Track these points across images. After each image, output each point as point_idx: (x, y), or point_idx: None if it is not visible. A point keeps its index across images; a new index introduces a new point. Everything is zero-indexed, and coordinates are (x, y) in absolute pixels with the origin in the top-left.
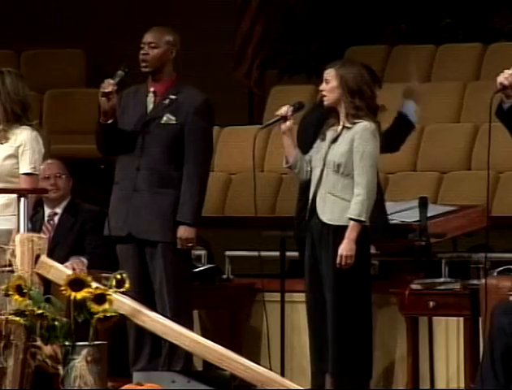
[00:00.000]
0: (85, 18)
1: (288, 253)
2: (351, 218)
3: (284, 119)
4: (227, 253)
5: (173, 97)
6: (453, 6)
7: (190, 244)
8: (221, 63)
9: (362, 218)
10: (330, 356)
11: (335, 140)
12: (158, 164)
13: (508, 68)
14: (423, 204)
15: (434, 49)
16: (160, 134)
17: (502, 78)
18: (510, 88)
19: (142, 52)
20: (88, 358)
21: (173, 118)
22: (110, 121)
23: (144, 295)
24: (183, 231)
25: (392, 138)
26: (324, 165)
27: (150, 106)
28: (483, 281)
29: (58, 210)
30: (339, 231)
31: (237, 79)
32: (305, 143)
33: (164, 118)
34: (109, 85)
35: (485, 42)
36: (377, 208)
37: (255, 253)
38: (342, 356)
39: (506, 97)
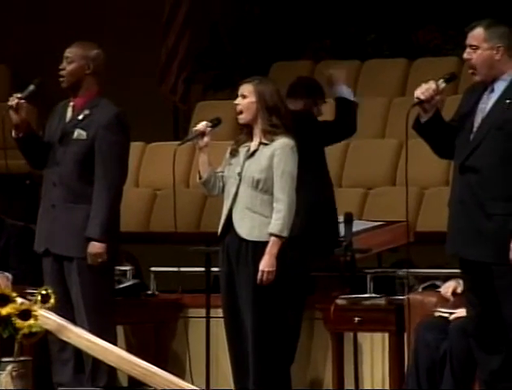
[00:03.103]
0: (9, 32)
1: (213, 269)
2: (273, 234)
3: (202, 134)
4: (153, 268)
5: (87, 112)
6: (377, 21)
7: (100, 260)
8: (146, 79)
9: (284, 234)
10: (251, 373)
11: (251, 156)
12: (71, 179)
13: None
14: (348, 219)
15: (359, 64)
16: (72, 149)
17: (419, 92)
18: (427, 102)
19: (60, 67)
20: (13, 374)
21: (84, 133)
22: (21, 135)
23: (65, 310)
24: (92, 247)
25: (344, 122)
26: (240, 181)
27: (67, 121)
28: (408, 296)
29: None
30: (258, 247)
31: (163, 94)
32: None
33: (75, 133)
34: (14, 99)
35: (410, 58)
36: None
37: (180, 269)
38: (262, 373)
39: (423, 111)
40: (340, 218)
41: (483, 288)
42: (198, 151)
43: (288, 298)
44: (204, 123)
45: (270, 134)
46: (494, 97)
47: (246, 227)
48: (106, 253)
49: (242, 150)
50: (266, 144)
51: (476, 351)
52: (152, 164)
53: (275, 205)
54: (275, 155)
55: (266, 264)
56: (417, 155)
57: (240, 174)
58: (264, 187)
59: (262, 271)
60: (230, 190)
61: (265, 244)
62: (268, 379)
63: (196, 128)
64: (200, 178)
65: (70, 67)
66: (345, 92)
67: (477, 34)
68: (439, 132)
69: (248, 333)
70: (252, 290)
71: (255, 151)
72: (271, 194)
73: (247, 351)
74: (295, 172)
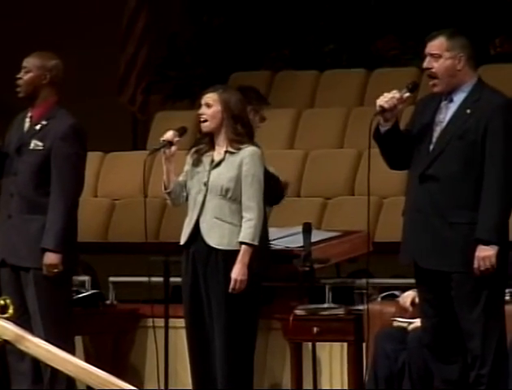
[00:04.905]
0: None
1: (172, 279)
2: (244, 243)
3: (170, 144)
4: (111, 278)
5: (44, 122)
6: (336, 31)
7: (56, 270)
8: (105, 89)
9: (255, 243)
10: (219, 378)
11: (217, 165)
12: (28, 190)
13: None
14: (307, 229)
15: (318, 74)
16: (28, 160)
17: (382, 101)
18: (389, 112)
19: (17, 76)
20: None
21: (40, 144)
22: None
23: (23, 320)
24: (47, 258)
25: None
26: (207, 190)
27: (25, 131)
28: (367, 306)
29: None
30: (229, 256)
31: (121, 104)
32: None
33: (32, 144)
34: None
35: (369, 68)
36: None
37: (139, 279)
38: (231, 378)
39: (384, 120)
40: (299, 228)
41: (439, 297)
42: (164, 160)
43: (256, 306)
44: (171, 132)
45: (236, 143)
46: (453, 107)
47: (215, 236)
48: (61, 263)
49: (206, 160)
50: (232, 152)
51: (432, 362)
52: (110, 174)
53: (244, 213)
54: (244, 163)
55: (238, 273)
56: (376, 165)
57: (206, 183)
58: (233, 196)
59: (235, 280)
60: (196, 200)
61: (235, 252)
62: (236, 383)
63: (164, 138)
64: (165, 188)
65: (26, 77)
66: None
67: (439, 43)
68: (396, 142)
69: (212, 343)
70: (223, 298)
71: (221, 160)
72: (240, 203)
73: (210, 361)
74: (263, 180)
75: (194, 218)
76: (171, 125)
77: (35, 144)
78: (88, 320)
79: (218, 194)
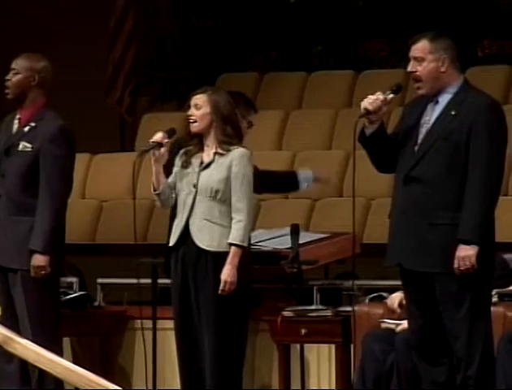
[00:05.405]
0: None
1: (159, 280)
2: (234, 244)
3: (160, 145)
4: (99, 280)
5: (33, 124)
6: (324, 33)
7: (43, 272)
8: (93, 90)
9: (245, 244)
10: (208, 380)
11: (206, 166)
12: (16, 191)
13: None
14: (295, 231)
15: (305, 76)
16: (17, 161)
17: (367, 103)
18: (374, 114)
19: (6, 78)
20: None
21: (29, 145)
22: None
23: (11, 321)
24: (34, 260)
25: (274, 183)
26: (197, 192)
27: (13, 133)
28: (355, 308)
29: None
30: (219, 257)
31: (109, 106)
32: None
33: (20, 145)
34: None
35: (357, 70)
36: None
37: (126, 281)
38: (221, 380)
39: (369, 122)
40: (287, 230)
41: (425, 299)
42: (153, 162)
43: (246, 308)
44: (161, 133)
45: (225, 144)
46: (438, 109)
47: (205, 237)
48: (49, 265)
49: (195, 161)
50: (222, 154)
51: (419, 363)
52: (98, 176)
53: (234, 215)
54: (234, 165)
55: (228, 274)
56: (363, 166)
57: (196, 185)
58: (223, 197)
59: (225, 281)
60: (186, 201)
61: (225, 254)
62: (225, 384)
63: (153, 139)
64: (154, 189)
65: (15, 79)
66: (305, 177)
67: (422, 46)
68: (382, 144)
69: (201, 345)
70: (212, 300)
71: (211, 162)
72: (229, 204)
73: (199, 363)
74: (252, 181)
75: (184, 219)
76: (158, 127)
77: (23, 145)
78: (76, 322)
79: (207, 196)
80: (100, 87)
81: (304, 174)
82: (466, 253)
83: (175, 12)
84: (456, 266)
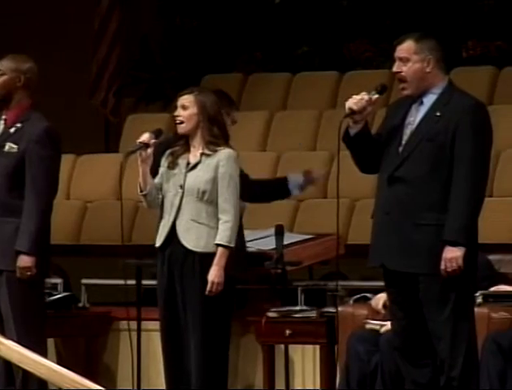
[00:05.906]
0: None
1: (144, 282)
2: (221, 245)
3: (146, 146)
4: (83, 281)
5: (19, 125)
6: (309, 34)
7: (29, 273)
8: (77, 91)
9: (232, 245)
10: (194, 383)
11: (193, 167)
12: (1, 192)
13: None
14: (279, 232)
15: (290, 77)
16: (3, 162)
17: (352, 103)
18: (359, 113)
19: None
20: None
21: (15, 146)
22: None
23: None
24: (20, 261)
25: (265, 193)
26: (183, 193)
27: None
28: (339, 309)
29: None
30: (206, 258)
31: (94, 106)
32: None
33: (6, 146)
34: None
35: (341, 70)
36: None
37: (111, 282)
38: (206, 381)
39: (354, 122)
40: (271, 231)
41: (408, 300)
42: (140, 163)
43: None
44: (147, 134)
45: (212, 145)
46: (423, 110)
47: (192, 238)
48: (34, 266)
49: (181, 162)
50: (208, 155)
51: (403, 364)
52: (83, 177)
53: (221, 215)
54: (221, 166)
55: (215, 275)
56: (348, 167)
57: (182, 186)
58: (209, 198)
59: (212, 282)
60: (173, 202)
61: (212, 255)
62: (211, 384)
63: (140, 140)
64: (141, 190)
65: (1, 80)
66: (295, 182)
67: (407, 47)
68: (366, 145)
69: (187, 345)
70: (199, 301)
71: (197, 163)
72: (216, 205)
73: (184, 363)
74: (239, 182)
75: (171, 220)
76: (143, 128)
77: (9, 146)
78: (61, 322)
79: (194, 197)
80: (84, 88)
81: (294, 179)
82: (453, 255)
83: (160, 13)
84: (443, 267)
